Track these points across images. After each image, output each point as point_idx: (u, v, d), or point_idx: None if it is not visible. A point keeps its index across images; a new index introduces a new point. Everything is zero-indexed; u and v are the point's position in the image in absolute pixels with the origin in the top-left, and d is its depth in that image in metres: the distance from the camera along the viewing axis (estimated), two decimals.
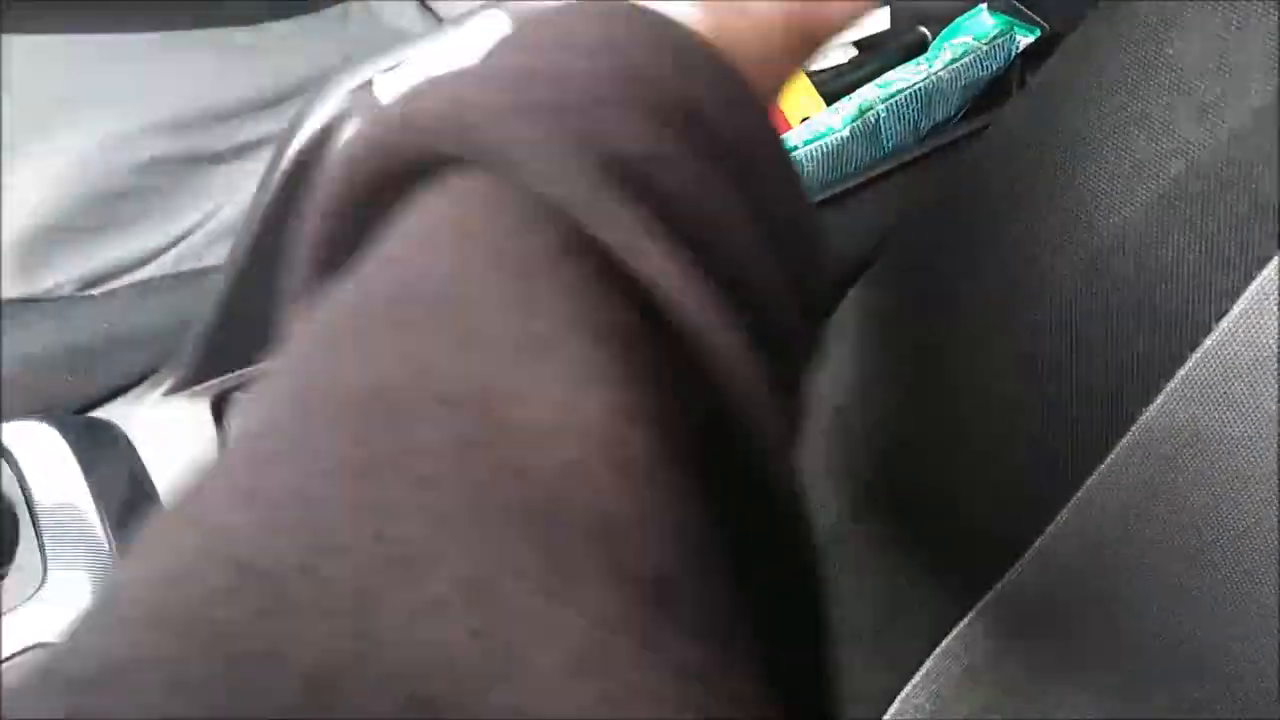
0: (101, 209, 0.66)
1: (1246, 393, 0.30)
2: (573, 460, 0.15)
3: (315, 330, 0.18)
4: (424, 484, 0.14)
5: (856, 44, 0.52)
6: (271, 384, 0.18)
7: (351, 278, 0.19)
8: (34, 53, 0.76)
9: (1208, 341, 0.31)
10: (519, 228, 0.18)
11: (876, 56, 0.51)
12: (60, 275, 0.63)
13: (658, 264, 0.17)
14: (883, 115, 0.47)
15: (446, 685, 0.12)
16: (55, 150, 0.68)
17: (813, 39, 0.26)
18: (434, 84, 0.21)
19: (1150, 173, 0.33)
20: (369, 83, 0.52)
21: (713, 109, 0.21)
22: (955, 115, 0.51)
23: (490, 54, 0.23)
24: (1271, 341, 0.30)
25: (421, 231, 0.19)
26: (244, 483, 0.15)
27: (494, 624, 0.13)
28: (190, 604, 0.13)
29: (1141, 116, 0.33)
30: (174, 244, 0.66)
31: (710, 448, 0.18)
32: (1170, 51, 0.33)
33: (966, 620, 0.39)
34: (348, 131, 0.52)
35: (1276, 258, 0.29)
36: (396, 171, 0.20)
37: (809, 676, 0.19)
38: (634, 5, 0.22)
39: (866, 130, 0.47)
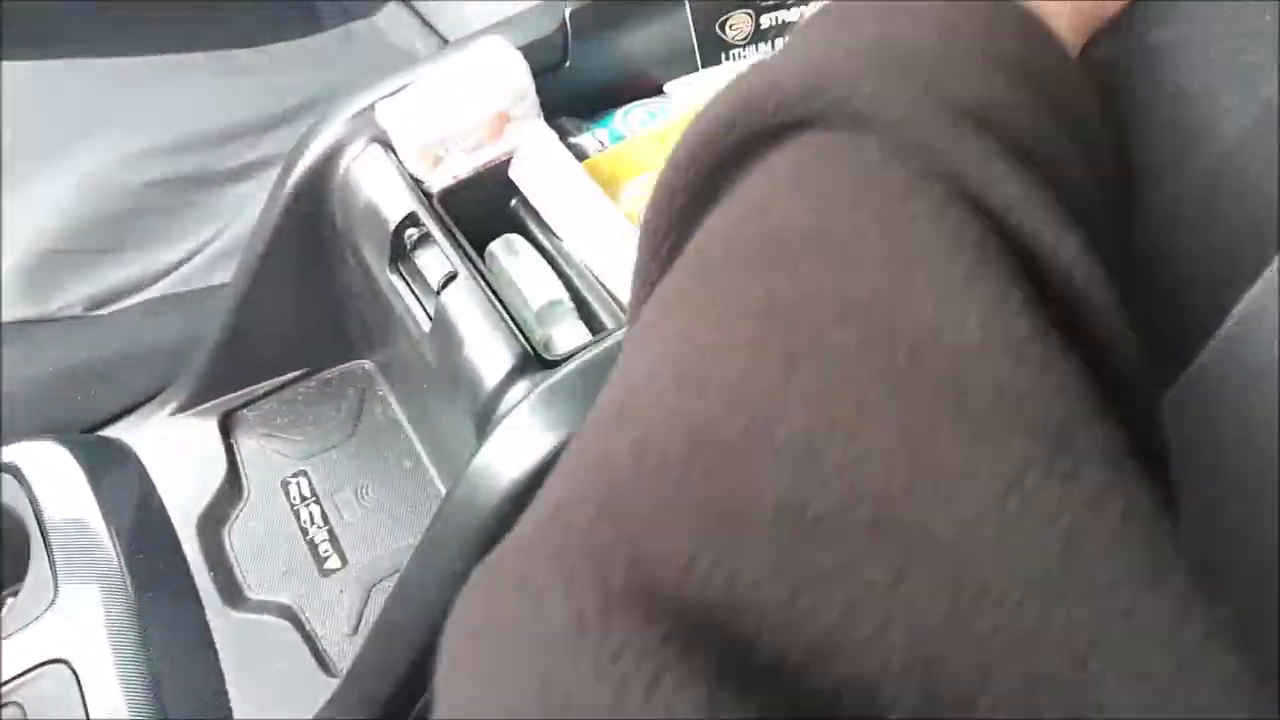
0: (108, 230, 0.67)
1: None
2: (969, 345, 0.18)
3: (702, 263, 0.21)
4: (843, 373, 0.17)
5: None
6: (676, 305, 0.21)
7: (726, 219, 0.22)
8: (40, 77, 0.77)
9: None
10: (878, 167, 0.20)
11: None
12: (69, 296, 0.64)
13: (1007, 189, 0.20)
14: None
15: (893, 510, 0.16)
16: (62, 172, 0.69)
17: (1094, 19, 0.30)
18: (785, 54, 0.24)
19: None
20: (371, 107, 0.53)
21: (1037, 60, 0.24)
22: None
23: (829, 23, 0.25)
24: None
25: (791, 177, 0.21)
26: (688, 375, 0.19)
27: (925, 466, 0.16)
28: (661, 464, 0.17)
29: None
30: (180, 264, 0.67)
31: (1073, 346, 0.20)
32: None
33: None
34: (351, 155, 0.53)
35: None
36: (757, 132, 0.22)
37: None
38: None
39: None
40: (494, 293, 0.46)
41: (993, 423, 0.17)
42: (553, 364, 0.44)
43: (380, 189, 0.52)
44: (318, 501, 0.54)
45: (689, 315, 0.20)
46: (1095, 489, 0.16)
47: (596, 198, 0.48)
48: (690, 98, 0.54)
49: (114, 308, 0.64)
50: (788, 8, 0.57)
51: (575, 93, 0.56)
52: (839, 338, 0.18)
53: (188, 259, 0.67)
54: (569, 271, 0.49)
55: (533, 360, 0.44)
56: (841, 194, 0.20)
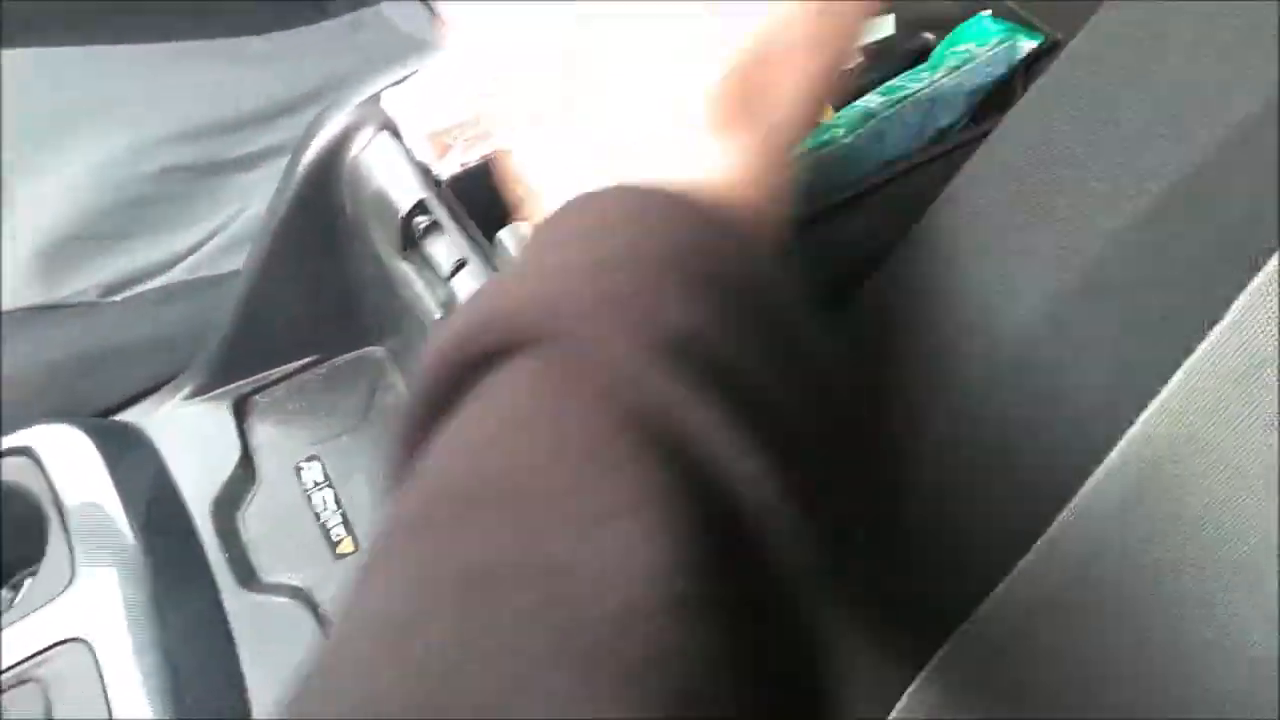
0: (121, 217, 0.68)
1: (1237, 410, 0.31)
2: (630, 604, 0.19)
3: (416, 513, 0.22)
4: (517, 641, 0.19)
5: (863, 50, 0.53)
6: (383, 564, 0.22)
7: (438, 462, 0.23)
8: (49, 64, 0.77)
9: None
10: (585, 410, 0.22)
11: (882, 63, 0.52)
12: (82, 282, 0.65)
13: (707, 431, 0.21)
14: (886, 122, 0.48)
15: None
16: (75, 160, 0.70)
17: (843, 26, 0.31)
18: (508, 279, 0.25)
19: (1128, 194, 0.33)
20: (376, 95, 0.53)
21: (743, 280, 0.25)
22: (959, 121, 0.52)
23: (544, 246, 0.27)
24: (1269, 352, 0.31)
25: (500, 418, 0.23)
26: (381, 653, 0.19)
27: None
28: None
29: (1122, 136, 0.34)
30: (192, 251, 0.68)
31: (745, 582, 0.22)
32: (1154, 68, 0.34)
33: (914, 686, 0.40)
34: (360, 143, 0.54)
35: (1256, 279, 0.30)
36: (475, 362, 0.24)
37: None
38: (661, 189, 0.26)
39: (870, 137, 0.48)
40: None
41: (636, 691, 0.18)
42: None
43: (389, 177, 0.52)
44: (330, 486, 0.55)
45: (393, 576, 0.21)
46: None
47: None
48: None
49: (127, 294, 0.65)
50: None
51: None
52: (519, 604, 0.19)
53: (199, 246, 0.68)
54: None
55: None
56: (545, 440, 0.22)
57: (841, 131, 0.48)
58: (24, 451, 0.54)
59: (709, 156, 0.28)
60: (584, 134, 0.30)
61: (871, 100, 0.49)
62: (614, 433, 0.21)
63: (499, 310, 0.24)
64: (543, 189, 0.31)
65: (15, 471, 0.53)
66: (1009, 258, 0.37)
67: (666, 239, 0.25)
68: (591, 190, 0.27)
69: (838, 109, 0.50)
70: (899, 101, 0.49)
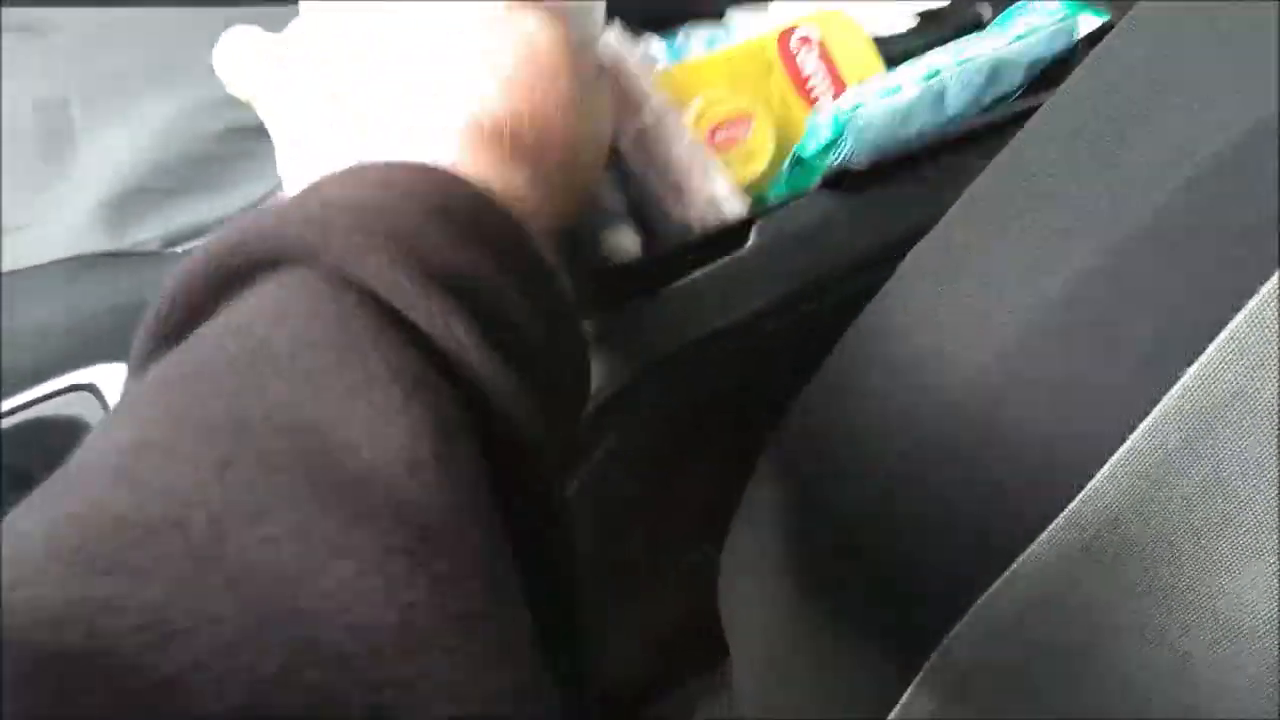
0: (184, 172, 0.70)
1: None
2: (379, 461, 0.22)
3: (181, 372, 0.24)
4: (268, 477, 0.21)
5: (920, 15, 0.53)
6: (139, 408, 0.23)
7: (211, 335, 0.25)
8: (114, 25, 0.80)
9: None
10: (349, 307, 0.25)
11: (934, 30, 0.53)
12: (145, 232, 0.67)
13: (455, 338, 0.25)
14: (950, 83, 0.48)
15: (273, 585, 0.19)
16: (142, 116, 0.72)
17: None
18: (275, 209, 0.28)
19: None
20: None
21: (489, 229, 0.29)
22: (1014, 92, 0.52)
23: (307, 196, 0.29)
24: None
25: (275, 307, 0.25)
26: (124, 473, 0.21)
27: (309, 549, 0.20)
28: (76, 545, 0.19)
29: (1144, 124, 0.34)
30: (252, 207, 0.69)
31: (488, 459, 0.25)
32: (1166, 69, 0.34)
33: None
34: None
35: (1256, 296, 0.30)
36: (238, 270, 0.27)
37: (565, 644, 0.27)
38: (424, 164, 0.30)
39: (932, 95, 0.48)
40: None
41: (379, 520, 0.21)
42: None
43: None
44: None
45: (151, 418, 0.23)
46: (440, 577, 0.21)
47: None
48: (752, 28, 0.54)
49: (188, 245, 0.66)
50: None
51: (637, 4, 0.56)
52: (275, 448, 0.21)
53: (258, 203, 0.69)
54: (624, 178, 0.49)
55: None
56: (314, 328, 0.24)
57: (904, 85, 0.48)
58: (88, 388, 0.55)
59: (471, 154, 0.32)
60: (348, 120, 0.34)
61: (936, 57, 0.49)
62: (376, 329, 0.24)
63: (269, 228, 0.26)
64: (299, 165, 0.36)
65: (79, 406, 0.55)
66: (1068, 211, 0.37)
67: (429, 196, 0.28)
68: (358, 163, 0.30)
69: (893, 65, 0.50)
70: (965, 63, 0.49)
